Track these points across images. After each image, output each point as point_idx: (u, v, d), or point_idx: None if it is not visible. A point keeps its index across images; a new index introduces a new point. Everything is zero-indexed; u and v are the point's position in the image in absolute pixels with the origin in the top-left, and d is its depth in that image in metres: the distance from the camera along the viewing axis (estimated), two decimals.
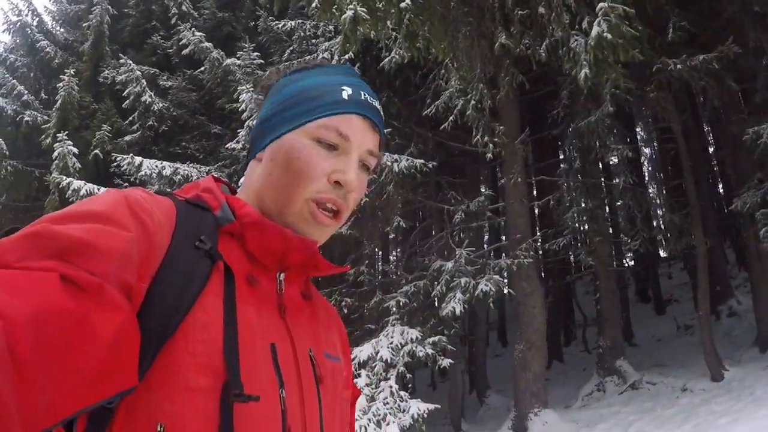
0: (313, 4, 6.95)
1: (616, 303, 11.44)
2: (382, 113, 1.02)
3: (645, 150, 25.58)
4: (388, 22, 7.55)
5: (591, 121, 8.64)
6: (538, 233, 11.50)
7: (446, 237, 9.95)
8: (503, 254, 10.30)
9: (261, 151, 0.97)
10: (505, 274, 9.55)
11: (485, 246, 13.23)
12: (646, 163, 28.04)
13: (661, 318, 16.78)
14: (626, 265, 20.62)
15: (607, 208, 13.08)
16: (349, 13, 6.61)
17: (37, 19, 20.53)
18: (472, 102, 8.25)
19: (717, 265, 13.96)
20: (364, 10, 6.70)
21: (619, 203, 11.45)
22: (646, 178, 27.61)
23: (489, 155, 8.56)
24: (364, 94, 0.97)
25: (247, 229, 0.88)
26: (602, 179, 10.59)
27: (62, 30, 21.60)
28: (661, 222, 25.18)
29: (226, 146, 11.22)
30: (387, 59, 8.05)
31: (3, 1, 19.40)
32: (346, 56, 9.42)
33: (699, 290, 9.91)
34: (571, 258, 14.97)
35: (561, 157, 13.36)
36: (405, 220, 10.24)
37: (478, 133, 8.41)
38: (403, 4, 7.12)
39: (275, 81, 1.03)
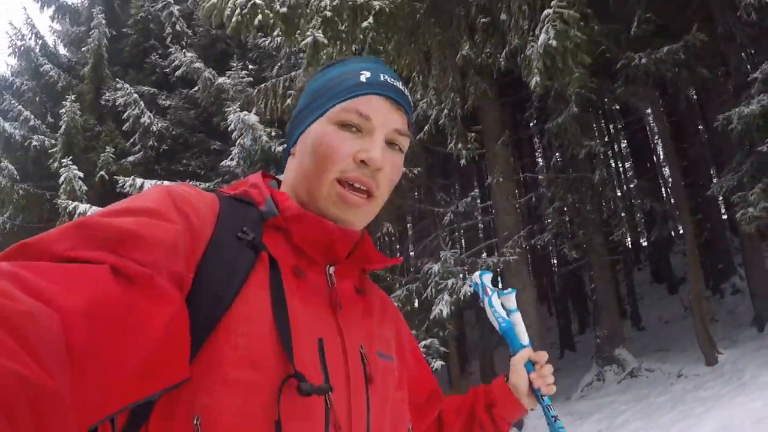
0: (276, 32, 7.43)
1: (612, 292, 11.74)
2: (406, 92, 1.04)
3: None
4: (353, 46, 7.99)
5: (558, 122, 9.02)
6: (527, 230, 11.82)
7: (438, 238, 10.37)
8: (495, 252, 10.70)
9: (293, 145, 1.02)
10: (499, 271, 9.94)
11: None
12: (660, 147, 28.07)
13: (673, 298, 16.98)
14: (643, 246, 20.75)
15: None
16: (309, 39, 7.08)
17: (41, 41, 21.21)
18: (445, 111, 8.66)
19: (719, 243, 14.19)
20: (321, 35, 7.15)
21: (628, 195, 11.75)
22: (662, 159, 27.59)
23: (462, 161, 8.98)
24: (384, 76, 1.00)
25: (289, 223, 0.91)
26: (587, 173, 10.83)
27: (66, 51, 22.40)
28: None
29: (221, 164, 11.74)
30: None
31: (7, 25, 20.12)
32: None
33: (689, 274, 10.18)
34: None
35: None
36: (399, 224, 10.67)
37: (452, 140, 8.84)
38: (365, 24, 7.58)
39: (307, 83, 1.07)
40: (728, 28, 8.97)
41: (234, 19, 7.41)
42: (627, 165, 22.53)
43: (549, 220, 10.64)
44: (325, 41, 7.20)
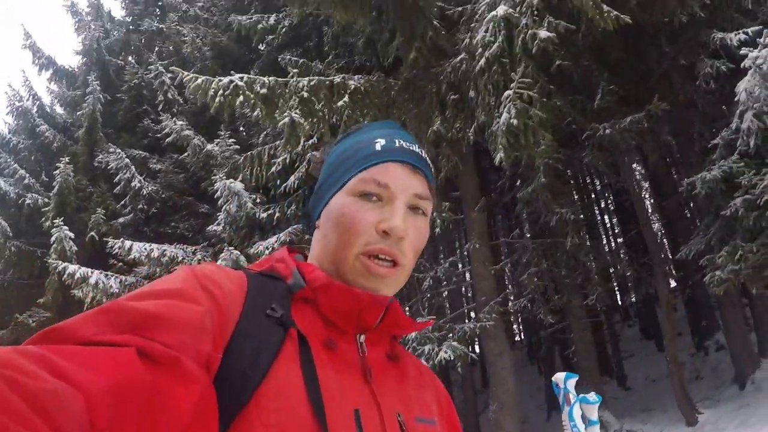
0: (255, 112, 7.92)
1: (593, 353, 11.95)
2: (424, 156, 1.04)
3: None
4: (335, 117, 8.47)
5: (528, 192, 9.45)
6: (504, 295, 12.06)
7: (417, 304, 10.63)
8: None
9: (317, 219, 1.03)
10: (476, 335, 10.17)
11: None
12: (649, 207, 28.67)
13: (661, 355, 17.06)
14: (630, 301, 20.85)
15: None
16: (287, 119, 7.56)
17: (38, 103, 21.84)
18: None
19: (702, 299, 14.43)
20: (297, 115, 7.64)
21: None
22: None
23: (437, 230, 9.35)
24: (399, 141, 1.00)
25: (318, 293, 0.91)
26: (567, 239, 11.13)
27: (62, 111, 23.08)
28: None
29: (208, 228, 12.10)
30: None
31: (5, 85, 20.85)
32: (310, 141, 10.42)
33: (665, 338, 10.43)
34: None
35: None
36: None
37: None
38: (340, 102, 8.06)
39: (327, 155, 1.08)
40: (689, 96, 9.49)
41: (217, 100, 7.89)
42: (615, 220, 22.85)
43: (527, 285, 10.94)
44: (302, 120, 7.69)
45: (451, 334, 9.63)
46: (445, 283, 11.61)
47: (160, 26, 21.55)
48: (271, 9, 14.44)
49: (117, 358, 0.64)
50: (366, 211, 0.94)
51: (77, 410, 0.56)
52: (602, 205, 21.66)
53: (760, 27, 8.22)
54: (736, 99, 8.01)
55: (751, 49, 7.78)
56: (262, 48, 14.81)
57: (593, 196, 20.20)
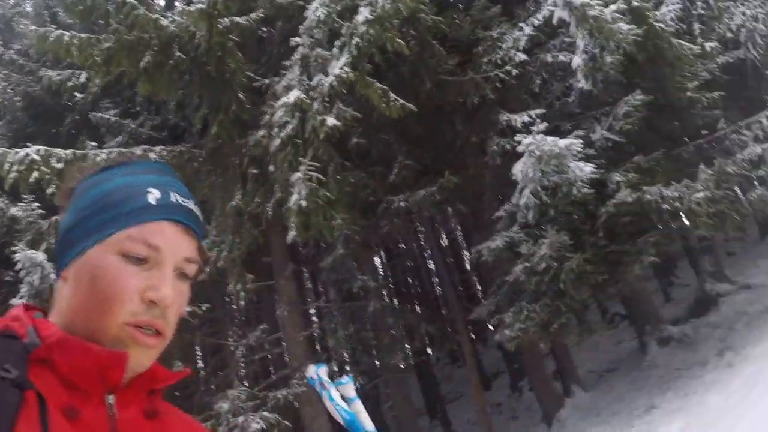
0: (50, 189, 7.80)
1: (410, 407, 12.62)
2: (198, 213, 0.97)
3: None
4: None
5: (329, 261, 10.04)
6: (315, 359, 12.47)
7: (232, 373, 10.69)
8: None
9: (64, 268, 0.91)
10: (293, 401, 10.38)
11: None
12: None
13: (488, 393, 18.14)
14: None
15: None
16: None
17: None
18: (224, 252, 9.26)
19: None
20: None
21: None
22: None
23: (242, 302, 9.60)
24: (175, 196, 0.92)
25: (53, 351, 0.82)
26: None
27: None
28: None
29: (10, 302, 11.43)
30: None
31: None
32: None
33: (472, 385, 11.29)
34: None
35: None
36: (189, 360, 10.86)
37: (231, 282, 9.43)
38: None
39: (78, 183, 0.96)
40: (480, 170, 10.51)
41: (11, 175, 7.71)
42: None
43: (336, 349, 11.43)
44: None
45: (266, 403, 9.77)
46: (245, 352, 11.72)
47: None
48: None
49: None
50: (131, 277, 0.86)
51: None
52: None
53: (543, 111, 9.33)
54: (513, 178, 8.96)
55: (525, 135, 8.76)
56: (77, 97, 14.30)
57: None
